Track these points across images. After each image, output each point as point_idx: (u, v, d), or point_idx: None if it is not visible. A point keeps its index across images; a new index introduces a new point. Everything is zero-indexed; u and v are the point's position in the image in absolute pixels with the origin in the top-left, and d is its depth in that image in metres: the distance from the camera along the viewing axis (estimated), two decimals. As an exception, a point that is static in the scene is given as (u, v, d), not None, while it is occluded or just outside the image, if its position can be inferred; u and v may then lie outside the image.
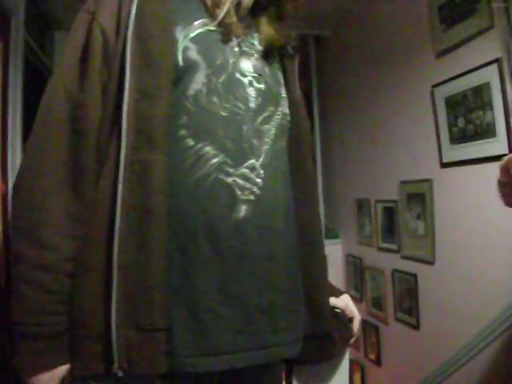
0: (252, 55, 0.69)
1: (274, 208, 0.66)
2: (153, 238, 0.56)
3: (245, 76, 0.66)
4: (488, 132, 1.43)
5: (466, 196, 1.57)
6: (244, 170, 0.62)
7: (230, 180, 0.61)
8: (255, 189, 0.63)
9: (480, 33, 1.45)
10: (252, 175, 0.63)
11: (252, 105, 0.65)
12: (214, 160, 0.61)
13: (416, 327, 1.88)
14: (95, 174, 0.60)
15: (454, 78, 1.57)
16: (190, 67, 0.62)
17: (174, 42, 0.61)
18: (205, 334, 0.58)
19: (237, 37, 0.67)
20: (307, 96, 2.80)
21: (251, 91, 0.66)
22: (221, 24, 0.66)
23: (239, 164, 0.62)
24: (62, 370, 0.59)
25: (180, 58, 0.61)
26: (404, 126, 1.96)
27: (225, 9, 0.66)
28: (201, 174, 0.60)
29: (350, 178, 2.54)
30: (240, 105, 0.64)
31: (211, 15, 0.66)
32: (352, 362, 2.33)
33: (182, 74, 0.62)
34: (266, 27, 0.74)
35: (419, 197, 1.83)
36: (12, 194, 0.62)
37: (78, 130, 0.61)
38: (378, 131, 2.18)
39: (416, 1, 1.79)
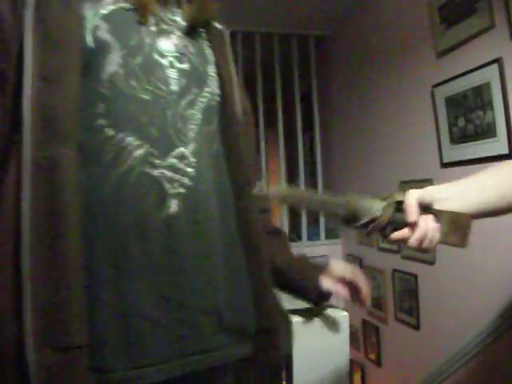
0: (172, 33, 0.62)
1: (208, 200, 0.59)
2: (65, 246, 0.48)
3: (164, 57, 0.59)
4: (488, 132, 1.43)
5: (466, 196, 1.57)
6: (172, 160, 0.56)
7: (156, 173, 0.54)
8: (186, 180, 0.56)
9: (480, 33, 1.45)
10: (181, 165, 0.56)
11: (174, 87, 0.58)
12: (138, 151, 0.54)
13: (416, 327, 1.88)
14: None
15: (454, 78, 1.57)
16: (101, 48, 0.55)
17: (81, 20, 0.54)
18: (139, 345, 0.52)
19: (154, 15, 0.61)
20: (307, 96, 2.81)
21: (172, 73, 0.59)
22: (134, 2, 0.59)
23: (166, 154, 0.55)
24: None
25: (89, 39, 0.54)
26: (404, 126, 1.96)
27: None
28: (124, 168, 0.53)
29: (350, 177, 2.54)
30: (163, 87, 0.57)
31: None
32: (352, 362, 2.33)
33: (92, 57, 0.55)
34: (188, 5, 0.66)
35: (419, 197, 1.83)
36: None
37: None
38: (378, 131, 2.18)
39: (416, 1, 1.79)
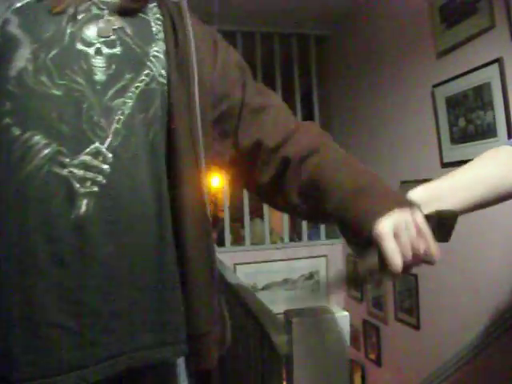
0: (103, 17, 0.57)
1: (130, 196, 0.55)
2: None
3: (90, 45, 0.55)
4: (489, 132, 1.43)
5: (466, 196, 1.57)
6: (85, 158, 0.52)
7: (65, 172, 0.51)
8: (100, 178, 0.52)
9: (481, 33, 1.45)
10: (96, 162, 0.52)
11: (99, 77, 0.54)
12: (46, 151, 0.51)
13: (416, 327, 1.88)
14: None
15: (454, 78, 1.57)
16: (8, 44, 0.52)
17: None
18: (47, 353, 0.50)
19: (72, 5, 0.56)
20: (307, 96, 2.81)
21: (98, 61, 0.55)
22: None
23: (77, 151, 0.52)
24: None
25: None
26: (404, 126, 1.96)
27: None
28: (30, 167, 0.50)
29: (351, 177, 2.54)
30: (79, 80, 0.53)
31: None
32: (352, 362, 2.33)
33: (0, 52, 0.52)
34: None
35: (419, 197, 1.83)
36: None
37: None
38: (379, 131, 2.18)
39: (416, 1, 1.79)
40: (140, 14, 0.61)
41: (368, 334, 2.32)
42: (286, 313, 0.86)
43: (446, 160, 1.65)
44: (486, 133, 1.44)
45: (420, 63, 1.80)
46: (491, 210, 1.53)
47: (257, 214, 2.85)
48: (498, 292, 1.43)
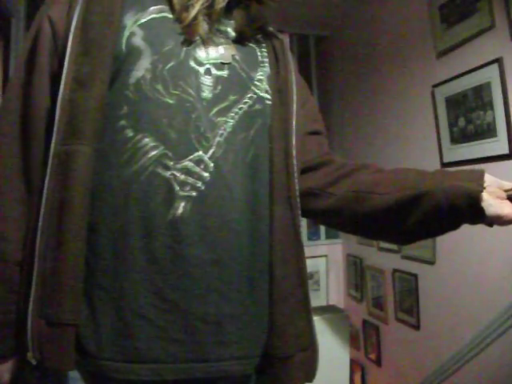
0: (220, 44, 0.64)
1: (225, 205, 0.58)
2: (69, 232, 0.53)
3: (201, 64, 0.61)
4: (488, 132, 1.43)
5: (466, 196, 1.56)
6: (187, 163, 0.56)
7: (167, 174, 0.56)
8: (199, 184, 0.56)
9: (481, 32, 1.45)
10: (197, 169, 0.57)
11: (206, 94, 0.60)
12: (153, 152, 0.56)
13: (416, 327, 1.87)
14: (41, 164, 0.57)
15: (454, 78, 1.57)
16: (131, 54, 0.58)
17: (119, 29, 0.58)
18: (132, 339, 0.53)
19: (201, 35, 0.63)
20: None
21: (206, 80, 0.61)
22: (186, 26, 0.62)
23: (182, 157, 0.57)
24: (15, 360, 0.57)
25: (122, 45, 0.58)
26: (404, 126, 1.96)
27: (193, 12, 0.61)
28: (137, 167, 0.55)
29: (351, 177, 2.53)
30: (191, 91, 0.59)
31: (178, 18, 0.62)
32: (352, 362, 2.33)
33: (123, 62, 0.58)
34: (240, 16, 0.70)
35: (419, 197, 1.83)
36: None
37: (26, 122, 0.58)
38: (379, 131, 2.18)
39: (416, 1, 1.79)
40: (249, 44, 0.69)
41: (368, 333, 2.32)
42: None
43: (445, 160, 1.65)
44: (485, 133, 1.44)
45: (420, 63, 1.80)
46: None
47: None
48: (498, 292, 1.43)
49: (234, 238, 0.58)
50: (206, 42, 0.63)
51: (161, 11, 0.62)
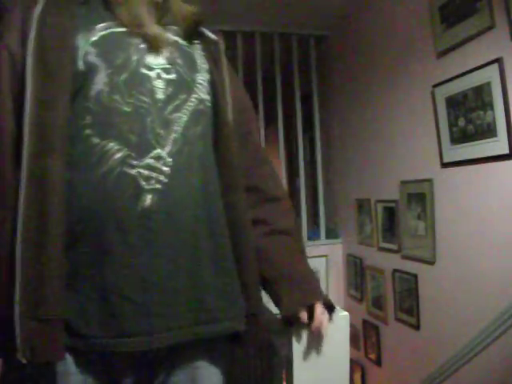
0: (165, 50, 0.72)
1: (184, 195, 0.67)
2: (49, 238, 0.59)
3: (151, 69, 0.69)
4: (488, 132, 1.43)
5: (466, 196, 1.57)
6: (149, 161, 0.65)
7: (134, 172, 0.63)
8: (162, 177, 0.65)
9: (481, 32, 1.45)
10: (158, 164, 0.65)
11: (160, 96, 0.68)
12: (118, 155, 0.63)
13: (416, 327, 1.88)
14: (15, 183, 0.62)
15: (454, 78, 1.57)
16: (89, 70, 0.65)
17: (74, 50, 0.65)
18: (118, 318, 0.61)
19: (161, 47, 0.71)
20: (307, 96, 2.81)
21: (159, 83, 0.69)
22: (145, 36, 0.70)
23: (143, 155, 0.65)
24: None
25: (80, 64, 0.65)
26: (404, 126, 1.96)
27: (148, 25, 0.70)
28: (105, 168, 0.63)
29: (351, 177, 2.54)
30: (144, 98, 0.67)
31: (131, 31, 0.70)
32: (352, 362, 2.33)
33: (82, 79, 0.65)
34: (176, 21, 0.77)
35: (419, 197, 1.83)
36: None
37: None
38: (379, 131, 2.19)
39: (416, 1, 1.79)
40: (187, 49, 0.76)
41: (368, 333, 2.32)
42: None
43: (445, 160, 1.65)
44: (485, 133, 1.44)
45: (420, 63, 1.80)
46: (492, 210, 1.54)
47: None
48: (497, 292, 1.43)
49: (194, 221, 0.68)
50: (152, 49, 0.70)
51: (107, 28, 0.69)
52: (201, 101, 0.73)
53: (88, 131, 0.64)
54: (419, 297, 1.85)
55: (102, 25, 0.69)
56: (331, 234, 2.74)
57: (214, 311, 0.68)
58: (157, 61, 0.70)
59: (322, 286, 2.65)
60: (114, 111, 0.65)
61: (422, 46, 1.77)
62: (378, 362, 2.23)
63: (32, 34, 0.64)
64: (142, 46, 0.70)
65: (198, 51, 0.78)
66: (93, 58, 0.65)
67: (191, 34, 0.78)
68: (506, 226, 1.40)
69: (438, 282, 1.73)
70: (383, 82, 2.11)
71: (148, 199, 0.63)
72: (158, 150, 0.66)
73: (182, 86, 0.71)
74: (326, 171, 2.81)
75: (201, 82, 0.74)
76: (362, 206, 2.37)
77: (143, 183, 0.64)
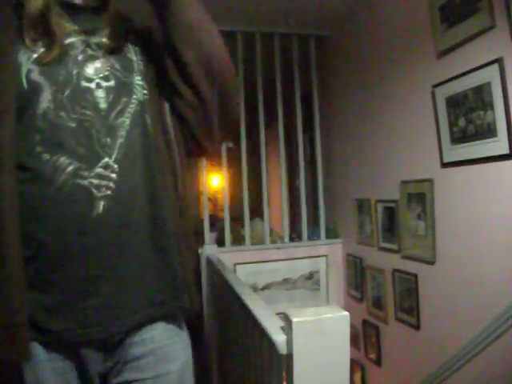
0: (98, 57, 0.74)
1: (132, 198, 0.73)
2: (8, 257, 0.63)
3: (91, 81, 0.71)
4: (489, 132, 1.43)
5: (466, 196, 1.57)
6: (99, 170, 0.69)
7: (86, 182, 0.68)
8: (111, 184, 0.70)
9: (481, 32, 1.45)
10: (107, 172, 0.70)
11: (102, 105, 0.71)
12: (69, 168, 0.67)
13: (416, 327, 1.88)
14: None
15: (454, 78, 1.57)
16: (34, 89, 0.67)
17: (16, 67, 0.66)
18: (78, 311, 0.68)
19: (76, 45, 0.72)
20: (307, 96, 2.81)
21: (100, 93, 0.72)
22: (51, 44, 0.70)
23: (93, 166, 0.69)
24: None
25: (24, 82, 0.66)
26: (405, 126, 1.96)
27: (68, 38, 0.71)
28: (60, 182, 0.67)
29: (351, 177, 2.54)
30: (87, 112, 0.70)
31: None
32: (352, 362, 2.33)
33: (28, 97, 0.67)
34: (108, 22, 0.77)
35: (420, 197, 1.83)
36: None
37: None
38: (379, 131, 2.19)
39: (417, 1, 1.79)
40: (122, 53, 0.77)
41: (368, 333, 2.32)
42: (286, 313, 0.86)
43: (445, 160, 1.65)
44: (486, 133, 1.44)
45: (420, 63, 1.80)
46: (492, 210, 1.54)
47: (257, 213, 2.85)
48: (497, 292, 1.43)
49: (141, 219, 0.73)
50: (85, 53, 0.72)
51: (45, 45, 0.69)
52: (139, 101, 0.75)
53: (39, 148, 0.67)
54: (419, 297, 1.85)
55: (41, 41, 0.69)
56: (331, 233, 2.74)
57: (159, 296, 0.75)
58: (95, 71, 0.72)
59: (322, 286, 2.66)
60: (60, 128, 0.68)
61: (422, 45, 1.77)
62: (378, 361, 2.23)
63: None
64: (80, 57, 0.72)
65: (135, 51, 0.79)
66: (36, 77, 0.67)
67: (121, 33, 0.77)
68: (506, 226, 1.40)
69: (438, 282, 1.73)
70: (383, 82, 2.11)
71: (101, 206, 0.69)
72: (106, 159, 0.70)
73: (121, 90, 0.74)
74: (326, 171, 2.81)
75: (138, 83, 0.76)
76: (362, 205, 2.37)
77: (95, 191, 0.68)
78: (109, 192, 0.69)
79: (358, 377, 2.42)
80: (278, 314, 1.01)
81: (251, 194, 2.68)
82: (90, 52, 0.73)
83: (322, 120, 2.79)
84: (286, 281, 2.60)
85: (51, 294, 0.67)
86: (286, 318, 0.85)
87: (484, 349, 1.49)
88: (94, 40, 0.75)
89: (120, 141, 0.72)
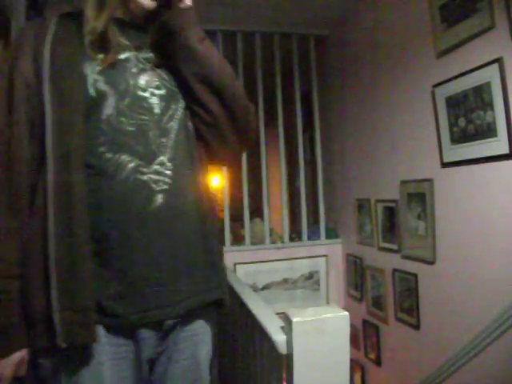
0: (147, 70, 0.82)
1: (184, 192, 0.81)
2: (79, 243, 0.71)
3: (145, 90, 0.80)
4: (489, 132, 1.43)
5: (466, 196, 1.57)
6: (156, 167, 0.78)
7: (145, 177, 0.76)
8: (167, 179, 0.78)
9: (481, 32, 1.45)
10: (162, 169, 0.78)
11: (156, 110, 0.80)
12: (130, 165, 0.76)
13: (416, 327, 1.88)
14: (29, 195, 0.75)
15: (454, 78, 1.57)
16: (100, 96, 0.76)
17: (83, 78, 0.75)
18: (141, 297, 0.75)
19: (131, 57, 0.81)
20: (307, 96, 2.81)
21: (154, 100, 0.81)
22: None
23: (150, 163, 0.77)
24: (17, 356, 0.74)
25: (91, 90, 0.75)
26: (404, 126, 1.96)
27: (112, 51, 0.79)
28: (122, 177, 0.75)
29: (351, 177, 2.54)
30: (144, 117, 0.79)
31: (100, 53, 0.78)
32: (352, 362, 2.33)
33: (95, 103, 0.76)
34: (156, 39, 0.85)
35: (420, 197, 1.83)
36: None
37: (11, 162, 0.75)
38: (379, 131, 2.19)
39: (417, 1, 1.79)
40: (165, 66, 0.85)
41: (368, 333, 2.32)
42: (286, 313, 0.86)
43: (446, 160, 1.65)
44: (486, 133, 1.44)
45: (420, 63, 1.80)
46: (492, 210, 1.54)
47: (257, 213, 2.85)
48: (498, 292, 1.43)
49: (192, 210, 0.82)
50: (137, 67, 0.81)
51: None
52: (184, 109, 0.84)
53: (101, 149, 0.75)
54: (419, 297, 1.85)
55: (102, 54, 0.78)
56: (331, 233, 2.74)
57: (207, 284, 0.83)
58: (146, 82, 0.81)
59: (322, 286, 2.66)
60: (121, 131, 0.76)
61: (422, 46, 1.77)
62: (378, 361, 2.23)
63: (45, 64, 0.74)
64: (134, 70, 0.80)
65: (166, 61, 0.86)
66: (102, 86, 0.76)
67: (163, 50, 0.85)
68: (506, 225, 1.40)
69: (438, 282, 1.73)
70: (383, 82, 2.11)
71: (159, 198, 0.77)
72: (161, 157, 0.79)
73: (171, 98, 0.83)
74: (326, 171, 2.81)
75: (176, 89, 0.85)
76: (362, 205, 2.37)
77: (154, 186, 0.77)
78: (165, 187, 0.78)
79: (358, 377, 2.42)
80: (277, 313, 1.01)
81: (251, 194, 2.68)
82: (140, 66, 0.82)
83: (322, 120, 2.79)
84: (285, 281, 2.60)
85: (114, 281, 0.74)
86: (286, 318, 0.85)
87: (484, 349, 1.49)
88: (143, 55, 0.83)
89: (171, 142, 0.81)
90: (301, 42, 2.75)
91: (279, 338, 0.87)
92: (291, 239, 2.75)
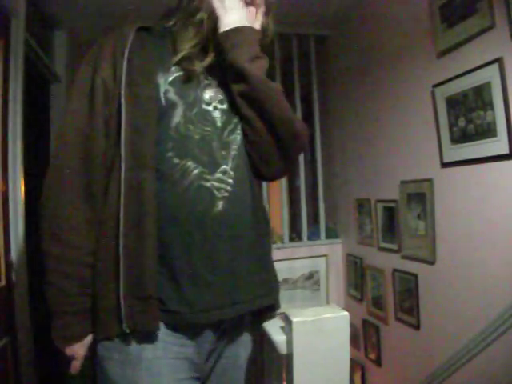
0: (211, 85, 0.88)
1: (243, 200, 0.86)
2: (146, 235, 0.76)
3: (209, 104, 0.86)
4: (489, 132, 1.43)
5: (466, 196, 1.57)
6: (218, 175, 0.83)
7: (208, 184, 0.81)
8: (228, 187, 0.83)
9: (481, 32, 1.45)
10: (225, 177, 0.83)
11: (218, 123, 0.85)
12: (195, 171, 0.81)
13: (416, 327, 1.88)
14: (103, 188, 0.80)
15: (454, 78, 1.57)
16: (170, 105, 0.81)
17: (156, 87, 0.81)
18: (200, 297, 0.79)
19: (199, 77, 0.87)
20: (307, 96, 2.81)
21: (216, 113, 0.86)
22: (186, 70, 0.85)
23: (214, 171, 0.82)
24: (88, 339, 0.81)
25: (162, 99, 0.81)
26: (404, 126, 1.96)
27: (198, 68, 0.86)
28: (187, 182, 0.80)
29: (350, 177, 2.54)
30: (208, 128, 0.84)
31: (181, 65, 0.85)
32: (352, 362, 2.33)
33: (165, 111, 0.81)
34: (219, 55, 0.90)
35: (420, 196, 1.83)
36: (39, 210, 0.82)
37: (88, 157, 0.81)
38: (379, 131, 2.19)
39: (417, 1, 1.79)
40: (226, 82, 0.89)
41: (368, 333, 2.32)
42: (286, 313, 0.86)
43: (445, 160, 1.65)
44: (486, 133, 1.44)
45: (420, 63, 1.80)
46: (492, 210, 1.54)
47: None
48: (498, 292, 1.43)
49: (246, 221, 0.86)
50: (204, 82, 0.87)
51: (179, 71, 0.85)
52: (240, 122, 0.88)
53: (169, 154, 0.80)
54: (419, 297, 1.85)
55: (174, 67, 0.84)
56: (331, 233, 2.74)
57: (265, 287, 0.88)
58: (210, 97, 0.86)
59: (322, 285, 2.66)
60: (188, 139, 0.82)
61: (422, 45, 1.77)
62: (378, 361, 2.23)
63: (123, 72, 0.80)
64: (201, 84, 0.86)
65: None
66: (172, 96, 0.82)
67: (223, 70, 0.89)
68: (506, 225, 1.40)
69: (438, 282, 1.73)
70: (383, 82, 2.11)
71: (220, 205, 0.81)
72: (224, 166, 0.84)
73: (232, 112, 0.87)
74: (326, 171, 2.81)
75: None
76: (362, 205, 2.37)
77: (216, 192, 0.81)
78: (226, 194, 0.82)
79: (358, 377, 2.42)
80: (277, 314, 1.01)
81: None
82: (206, 81, 0.87)
83: (322, 120, 2.78)
84: (285, 281, 2.60)
85: (176, 279, 0.78)
86: (286, 318, 0.85)
87: (484, 349, 1.49)
88: (209, 70, 0.88)
89: (233, 153, 0.86)
90: (301, 42, 2.75)
91: (279, 338, 0.87)
92: (291, 239, 2.75)
